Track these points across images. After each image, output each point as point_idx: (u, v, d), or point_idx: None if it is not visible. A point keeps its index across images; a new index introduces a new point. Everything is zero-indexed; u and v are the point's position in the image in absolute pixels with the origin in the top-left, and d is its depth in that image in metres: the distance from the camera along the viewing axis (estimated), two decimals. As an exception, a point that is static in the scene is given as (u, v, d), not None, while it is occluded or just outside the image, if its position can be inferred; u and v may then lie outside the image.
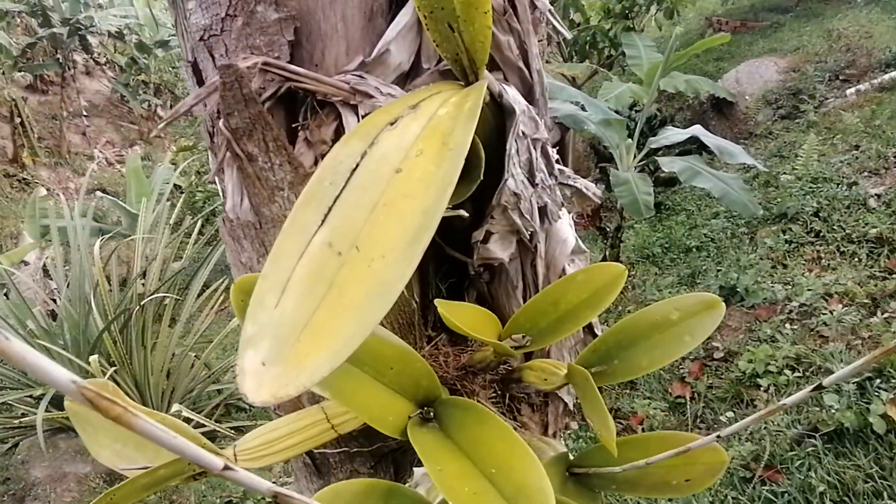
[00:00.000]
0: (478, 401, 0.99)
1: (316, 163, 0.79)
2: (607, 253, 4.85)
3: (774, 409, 0.50)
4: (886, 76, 6.02)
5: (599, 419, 0.69)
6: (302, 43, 0.77)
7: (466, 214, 0.80)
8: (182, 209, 6.17)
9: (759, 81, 6.80)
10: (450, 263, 1.04)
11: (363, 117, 0.77)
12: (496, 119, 0.80)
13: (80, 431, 0.94)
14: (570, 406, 1.13)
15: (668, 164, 4.09)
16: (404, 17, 0.80)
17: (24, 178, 9.84)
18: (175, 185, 6.68)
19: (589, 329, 1.14)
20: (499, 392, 1.05)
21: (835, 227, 4.21)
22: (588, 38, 7.62)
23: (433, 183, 0.57)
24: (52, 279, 4.67)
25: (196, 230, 5.24)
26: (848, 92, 6.15)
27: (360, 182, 0.57)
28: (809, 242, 4.22)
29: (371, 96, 0.75)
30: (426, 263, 1.00)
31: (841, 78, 6.49)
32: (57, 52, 10.01)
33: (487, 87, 0.77)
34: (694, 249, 4.84)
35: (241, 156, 0.71)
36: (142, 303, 3.72)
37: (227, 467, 0.32)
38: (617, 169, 4.53)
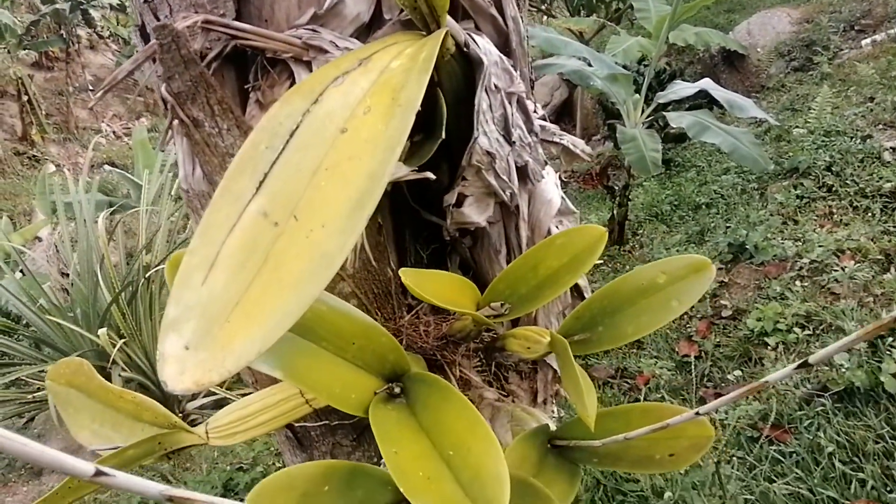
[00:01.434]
0: (459, 371, 0.96)
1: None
2: (615, 212, 4.77)
3: (756, 385, 0.45)
4: (903, 24, 5.82)
5: (575, 392, 0.65)
6: (249, -3, 0.71)
7: (433, 177, 0.75)
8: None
9: (771, 33, 6.61)
10: (430, 229, 1.00)
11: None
12: (465, 72, 0.75)
13: (61, 412, 0.93)
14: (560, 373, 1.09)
15: (677, 120, 3.99)
16: (361, -38, 0.74)
17: (34, 155, 9.89)
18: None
19: (578, 293, 1.09)
20: (483, 361, 1.01)
21: (848, 182, 4.10)
22: (595, -8, 7.42)
23: (381, 143, 0.52)
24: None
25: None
26: (863, 43, 5.95)
27: (301, 144, 0.53)
28: (821, 197, 4.11)
29: (326, 51, 0.69)
30: (402, 229, 0.95)
31: (856, 28, 6.29)
32: (60, 28, 9.97)
33: (452, 37, 0.71)
34: (703, 206, 4.75)
35: (187, 121, 0.67)
36: (147, 274, 3.72)
37: (99, 472, 0.28)
38: (624, 125, 4.42)
